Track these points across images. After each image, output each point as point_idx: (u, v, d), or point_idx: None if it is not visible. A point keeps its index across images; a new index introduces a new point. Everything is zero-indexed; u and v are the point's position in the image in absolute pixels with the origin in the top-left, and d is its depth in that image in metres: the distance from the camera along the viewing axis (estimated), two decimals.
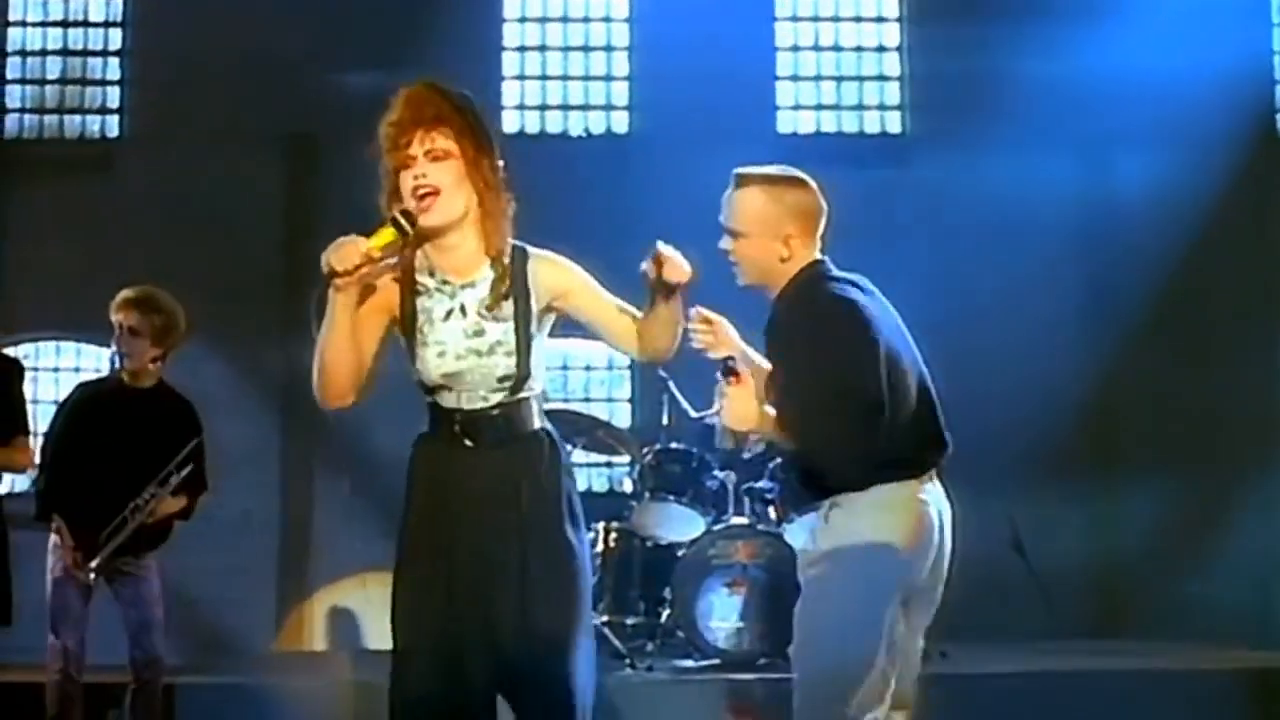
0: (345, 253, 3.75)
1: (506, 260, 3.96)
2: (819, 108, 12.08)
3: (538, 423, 4.04)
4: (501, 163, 3.99)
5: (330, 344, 3.88)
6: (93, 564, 6.16)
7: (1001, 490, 9.91)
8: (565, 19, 12.15)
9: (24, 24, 11.94)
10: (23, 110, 11.87)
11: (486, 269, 3.97)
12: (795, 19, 12.15)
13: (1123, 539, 10.93)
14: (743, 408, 4.13)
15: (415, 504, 4.01)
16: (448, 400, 3.98)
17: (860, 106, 12.12)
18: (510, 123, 11.84)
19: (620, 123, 12.04)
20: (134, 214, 10.90)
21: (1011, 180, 10.86)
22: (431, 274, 3.99)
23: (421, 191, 3.86)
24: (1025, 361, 10.76)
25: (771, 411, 4.17)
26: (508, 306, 3.94)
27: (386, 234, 3.80)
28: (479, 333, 3.93)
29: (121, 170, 11.35)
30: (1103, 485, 11.01)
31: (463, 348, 3.92)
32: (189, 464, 6.32)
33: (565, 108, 12.07)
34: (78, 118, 11.88)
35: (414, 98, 3.90)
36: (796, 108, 12.03)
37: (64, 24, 11.95)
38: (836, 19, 12.18)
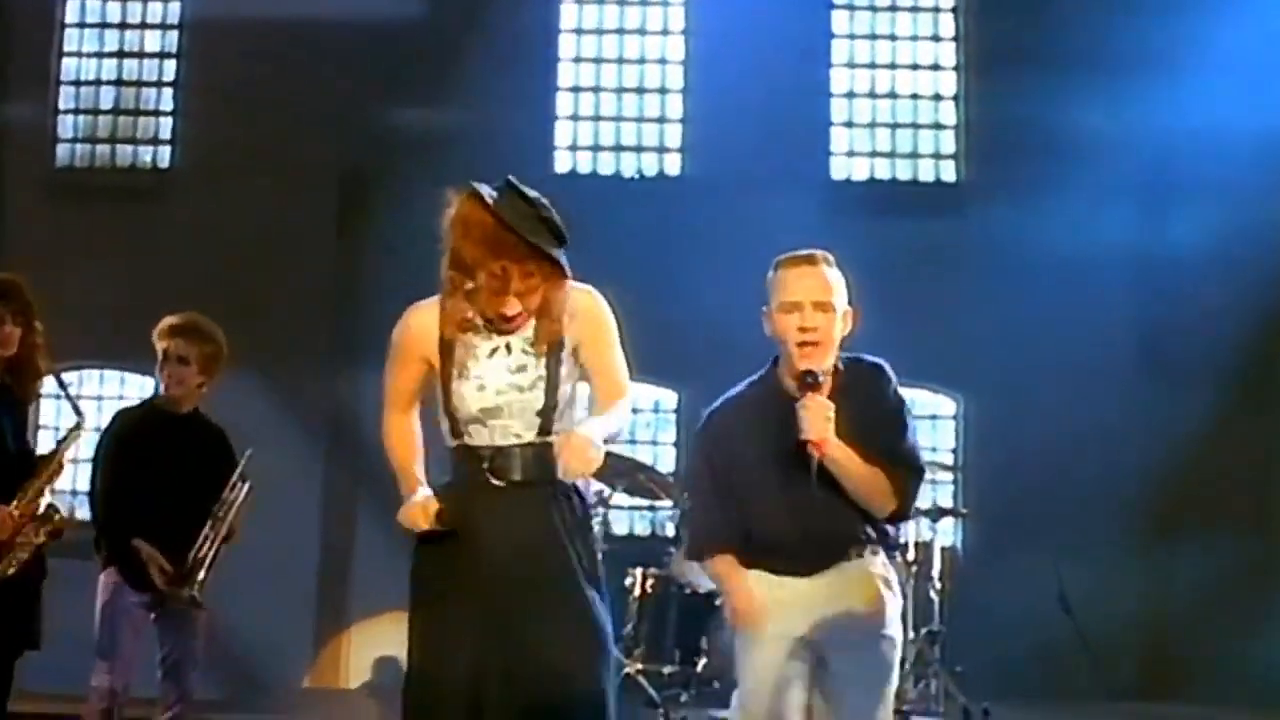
0: (416, 519, 4.00)
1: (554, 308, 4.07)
2: (873, 155, 12.09)
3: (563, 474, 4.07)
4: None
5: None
6: (197, 581, 6.14)
7: (1050, 546, 9.85)
8: (620, 60, 12.22)
9: (79, 54, 12.10)
10: (75, 140, 12.02)
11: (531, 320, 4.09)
12: (851, 65, 12.18)
13: (1174, 598, 10.82)
14: (823, 420, 4.22)
15: (432, 551, 4.07)
16: (479, 437, 4.06)
17: (915, 154, 12.13)
18: (562, 163, 11.91)
19: (673, 165, 12.08)
20: (183, 244, 11.00)
21: (1068, 231, 10.82)
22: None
23: (510, 317, 4.01)
24: (1079, 416, 10.71)
25: (844, 446, 4.28)
26: (546, 345, 4.05)
27: (434, 522, 4.01)
28: (521, 368, 4.04)
29: (172, 201, 11.45)
30: (1154, 543, 10.91)
31: (504, 383, 4.03)
32: (244, 481, 6.35)
33: (618, 149, 12.14)
34: (130, 148, 12.03)
35: (503, 240, 3.90)
36: (851, 154, 12.04)
37: (119, 55, 12.10)
38: (893, 66, 12.21)
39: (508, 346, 4.05)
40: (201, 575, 6.17)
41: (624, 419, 4.12)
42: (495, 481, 4.02)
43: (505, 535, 3.99)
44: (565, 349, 4.06)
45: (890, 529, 4.48)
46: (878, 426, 4.38)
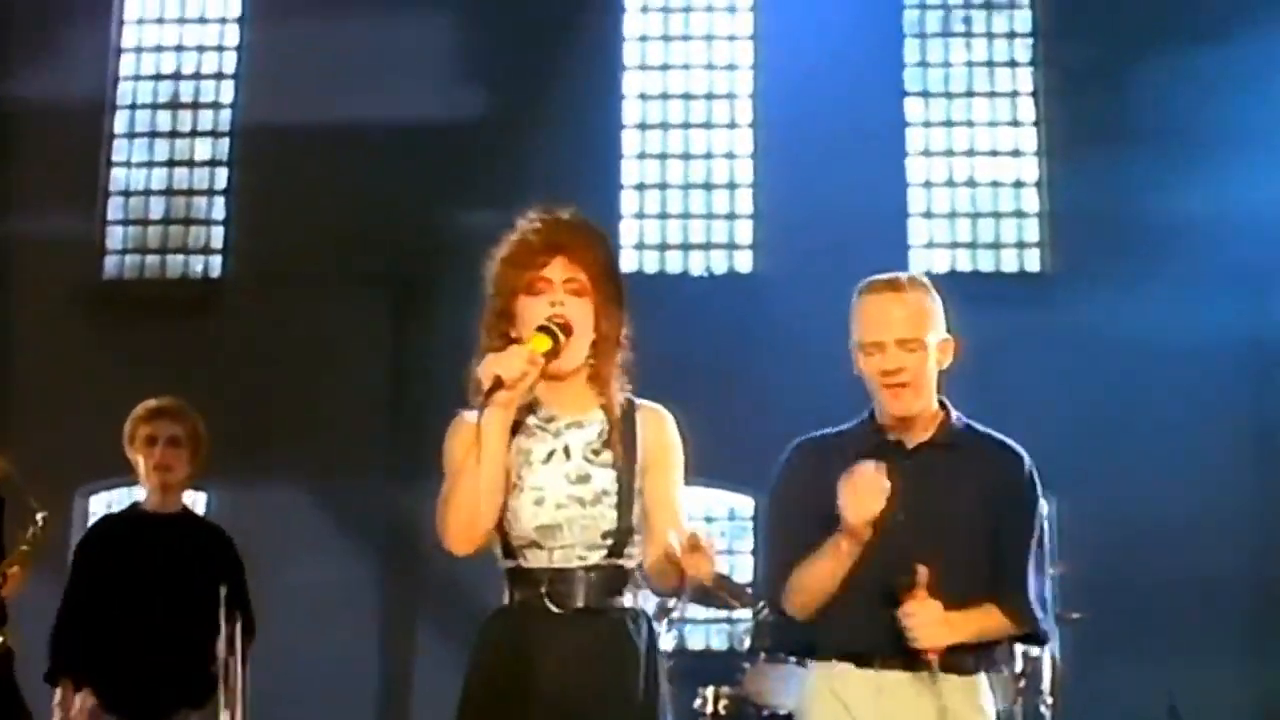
0: (511, 360, 3.56)
1: (618, 407, 3.78)
2: (954, 246, 12.03)
3: (633, 600, 3.75)
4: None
5: (486, 471, 3.58)
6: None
7: (1157, 652, 9.66)
8: (686, 156, 12.24)
9: (128, 165, 12.24)
10: (124, 251, 12.12)
11: (596, 410, 3.77)
12: (928, 154, 12.16)
13: None
14: (938, 626, 3.81)
15: (482, 683, 3.70)
16: (535, 559, 3.69)
17: (997, 244, 12.05)
18: (629, 262, 11.87)
19: (744, 262, 12.06)
20: (236, 355, 11.04)
21: (1163, 320, 10.64)
22: (533, 410, 3.75)
23: (557, 322, 3.67)
24: (1182, 513, 10.47)
25: (953, 620, 3.84)
26: (612, 454, 3.72)
27: (541, 340, 3.61)
28: (584, 479, 3.68)
29: (223, 311, 11.52)
30: (1267, 647, 10.68)
31: (564, 495, 3.66)
32: (239, 602, 5.87)
33: (686, 247, 12.13)
34: (180, 257, 12.12)
35: (555, 223, 3.80)
36: (930, 246, 11.98)
37: (169, 164, 12.24)
38: (971, 153, 12.18)
39: (567, 451, 3.70)
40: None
41: None
42: (554, 609, 3.65)
43: (565, 669, 3.60)
44: (638, 461, 3.73)
45: (1002, 648, 4.06)
46: (1007, 530, 3.93)
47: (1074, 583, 11.06)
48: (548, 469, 3.70)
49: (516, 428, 3.70)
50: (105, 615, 5.91)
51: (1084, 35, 11.65)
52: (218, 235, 12.10)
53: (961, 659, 3.92)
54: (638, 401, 3.83)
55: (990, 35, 12.39)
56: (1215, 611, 10.46)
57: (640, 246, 12.06)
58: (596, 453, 3.72)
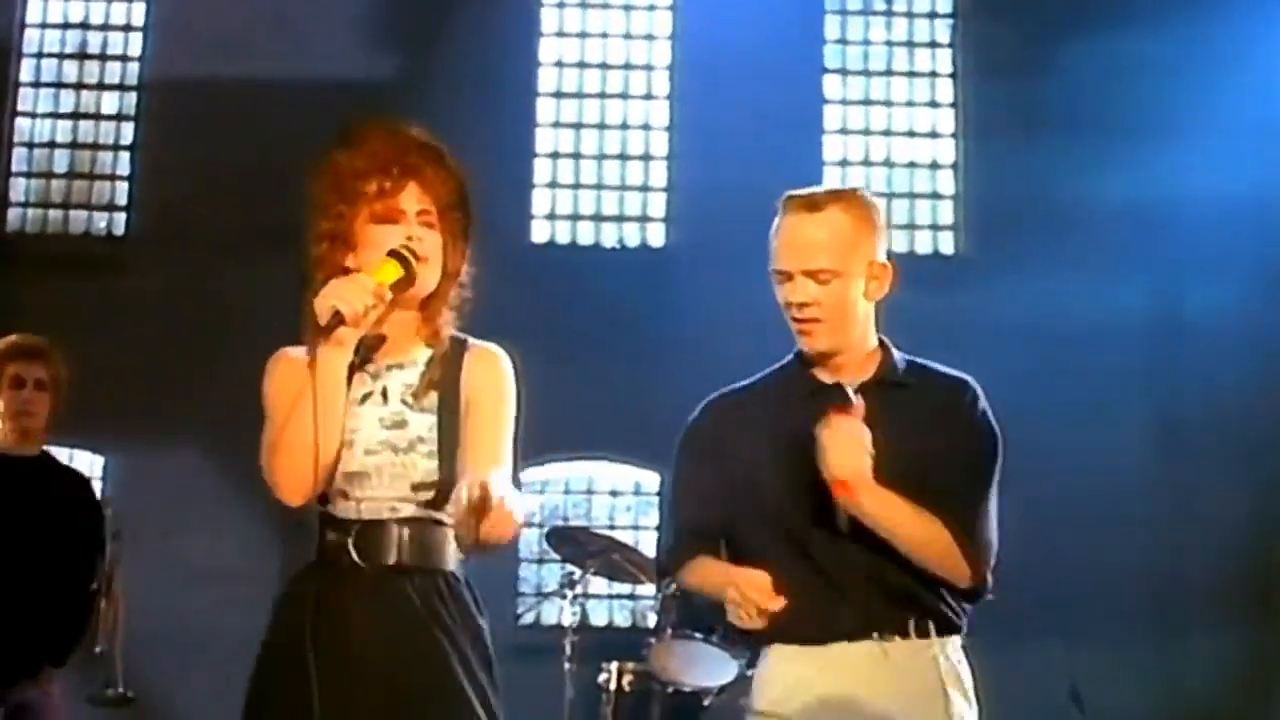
0: (352, 292, 3.25)
1: (445, 347, 3.48)
2: None
3: (452, 565, 3.41)
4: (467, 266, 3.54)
5: (325, 417, 3.28)
6: (117, 676, 5.65)
7: (1058, 637, 9.77)
8: (601, 125, 12.24)
9: (33, 115, 12.10)
10: (26, 204, 11.99)
11: (420, 351, 3.48)
12: (845, 132, 12.23)
13: (1189, 691, 10.75)
14: (858, 451, 3.27)
15: (278, 643, 3.40)
16: (344, 509, 3.40)
17: (911, 225, 12.14)
18: (540, 232, 11.89)
19: (656, 235, 12.07)
20: (140, 314, 10.94)
21: (1073, 306, 10.79)
22: (355, 349, 3.40)
23: (410, 249, 3.38)
24: (1085, 500, 10.65)
25: (885, 494, 3.33)
26: (434, 397, 3.41)
27: (391, 269, 3.30)
28: (399, 424, 3.39)
29: (128, 269, 11.42)
30: (1169, 632, 10.84)
31: (376, 440, 3.37)
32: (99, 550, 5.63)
33: (598, 218, 12.13)
34: (84, 213, 12.00)
35: (408, 143, 3.49)
36: None
37: (74, 116, 12.11)
38: (888, 133, 12.26)
39: (384, 394, 3.41)
40: (119, 666, 5.58)
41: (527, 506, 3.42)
42: (360, 563, 3.34)
43: (371, 632, 3.29)
44: (462, 407, 3.41)
45: (966, 604, 3.55)
46: (950, 458, 3.46)
47: None
48: (362, 411, 3.41)
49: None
50: None
51: (1005, 18, 11.74)
52: (123, 191, 11.97)
53: (904, 615, 3.48)
54: (470, 341, 3.54)
55: (911, 15, 12.48)
56: (1120, 596, 10.61)
57: (552, 216, 12.05)
58: (416, 396, 3.42)
